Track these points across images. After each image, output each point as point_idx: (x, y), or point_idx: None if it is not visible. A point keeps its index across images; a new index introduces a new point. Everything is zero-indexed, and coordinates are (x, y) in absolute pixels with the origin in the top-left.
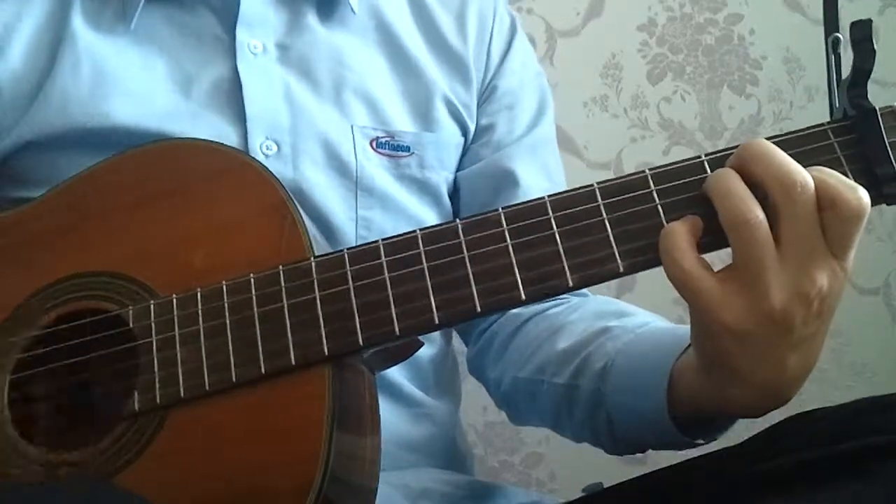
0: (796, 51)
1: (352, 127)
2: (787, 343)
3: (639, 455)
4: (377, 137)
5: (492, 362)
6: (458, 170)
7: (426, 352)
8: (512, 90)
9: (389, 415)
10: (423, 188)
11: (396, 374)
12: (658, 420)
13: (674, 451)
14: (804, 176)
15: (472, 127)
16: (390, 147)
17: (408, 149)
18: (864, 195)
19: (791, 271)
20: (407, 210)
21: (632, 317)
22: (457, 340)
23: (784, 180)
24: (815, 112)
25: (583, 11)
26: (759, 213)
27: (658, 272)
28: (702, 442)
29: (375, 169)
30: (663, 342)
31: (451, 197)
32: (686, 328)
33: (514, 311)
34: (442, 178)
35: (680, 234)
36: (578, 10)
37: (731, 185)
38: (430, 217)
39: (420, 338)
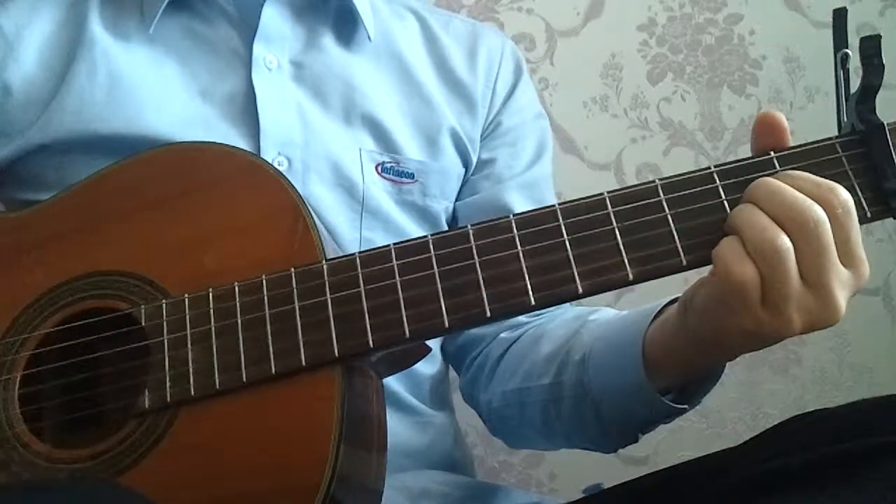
0: (796, 51)
1: (360, 150)
2: None
3: (639, 455)
4: (383, 162)
5: (483, 386)
6: (456, 200)
7: (426, 370)
8: (514, 128)
9: (390, 422)
10: (424, 215)
11: (396, 385)
12: (639, 387)
13: (674, 453)
14: (816, 212)
15: (473, 159)
16: (395, 173)
17: (412, 176)
18: (842, 192)
19: (815, 302)
20: (409, 234)
21: (606, 311)
22: None
23: (797, 220)
24: (816, 113)
25: (583, 11)
26: (787, 241)
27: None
28: (686, 407)
29: (380, 193)
30: (636, 319)
31: (449, 226)
32: (651, 305)
33: (503, 335)
34: (442, 208)
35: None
36: (578, 10)
37: (755, 218)
38: None
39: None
